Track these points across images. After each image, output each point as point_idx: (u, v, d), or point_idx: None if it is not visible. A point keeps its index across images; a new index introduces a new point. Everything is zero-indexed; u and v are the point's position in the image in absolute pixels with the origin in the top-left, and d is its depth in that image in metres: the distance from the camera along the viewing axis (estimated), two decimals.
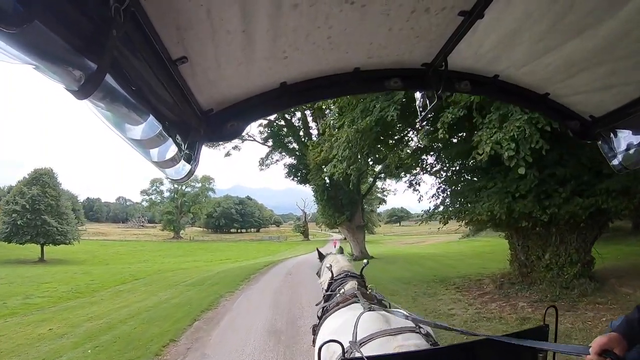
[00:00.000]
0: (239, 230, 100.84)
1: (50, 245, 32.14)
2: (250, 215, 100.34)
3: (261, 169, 25.09)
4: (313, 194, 22.36)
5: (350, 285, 2.58)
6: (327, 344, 1.43)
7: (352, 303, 2.21)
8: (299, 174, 23.54)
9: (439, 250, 26.12)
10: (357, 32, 1.26)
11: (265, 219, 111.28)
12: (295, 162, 24.01)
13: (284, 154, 24.54)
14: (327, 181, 19.54)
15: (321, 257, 3.65)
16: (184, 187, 74.97)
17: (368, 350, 1.53)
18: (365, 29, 1.25)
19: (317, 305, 2.81)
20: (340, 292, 2.53)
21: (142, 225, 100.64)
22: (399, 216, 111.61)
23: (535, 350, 1.49)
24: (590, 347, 1.21)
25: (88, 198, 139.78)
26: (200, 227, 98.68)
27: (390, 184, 25.99)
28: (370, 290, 2.48)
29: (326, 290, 2.79)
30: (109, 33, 0.72)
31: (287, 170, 24.32)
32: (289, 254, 34.93)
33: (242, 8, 1.03)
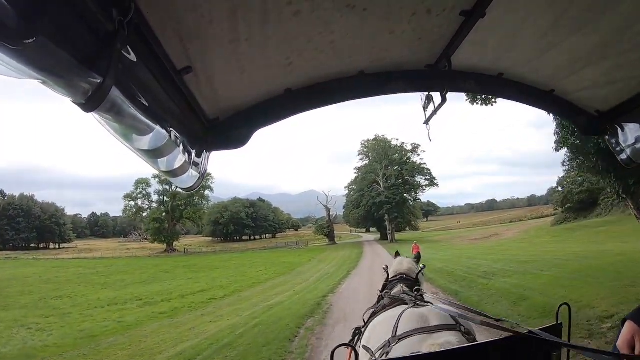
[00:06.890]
0: (252, 237, 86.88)
1: None
2: (263, 220, 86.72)
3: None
4: None
5: (399, 288, 2.60)
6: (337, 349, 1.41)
7: (398, 305, 2.19)
8: None
9: None
10: (359, 36, 1.32)
11: (282, 223, 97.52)
12: None
13: None
14: None
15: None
16: (174, 187, 60.07)
17: (401, 347, 1.60)
18: (368, 32, 1.30)
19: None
20: (387, 294, 2.52)
21: (145, 239, 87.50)
22: (426, 210, 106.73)
23: (549, 349, 1.35)
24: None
25: (93, 213, 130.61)
26: (208, 236, 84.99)
27: None
28: (420, 293, 2.40)
29: (380, 292, 2.79)
30: (113, 46, 0.74)
31: None
32: (316, 272, 21.48)
33: (243, 17, 1.05)
